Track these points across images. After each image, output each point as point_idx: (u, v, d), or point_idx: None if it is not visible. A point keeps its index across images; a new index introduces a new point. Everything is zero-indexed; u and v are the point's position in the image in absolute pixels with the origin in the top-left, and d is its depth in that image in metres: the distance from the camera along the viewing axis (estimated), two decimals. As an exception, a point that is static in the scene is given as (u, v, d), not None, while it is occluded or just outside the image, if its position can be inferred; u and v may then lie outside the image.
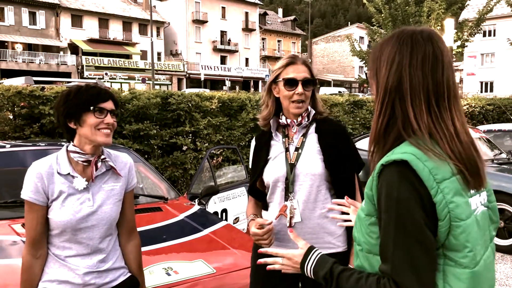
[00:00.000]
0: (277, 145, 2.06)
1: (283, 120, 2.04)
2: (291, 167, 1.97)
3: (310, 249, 1.33)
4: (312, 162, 1.96)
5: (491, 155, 6.42)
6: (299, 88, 1.95)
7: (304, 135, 2.02)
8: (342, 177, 1.97)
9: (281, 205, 1.99)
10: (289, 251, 1.35)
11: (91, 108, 1.74)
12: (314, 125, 2.05)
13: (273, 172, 2.01)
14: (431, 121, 1.13)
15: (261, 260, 1.41)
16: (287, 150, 2.01)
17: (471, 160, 1.14)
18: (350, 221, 1.61)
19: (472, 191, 1.15)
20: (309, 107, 2.04)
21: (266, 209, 2.11)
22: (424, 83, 1.13)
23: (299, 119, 2.01)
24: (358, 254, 1.22)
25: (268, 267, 1.39)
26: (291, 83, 1.96)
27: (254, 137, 2.20)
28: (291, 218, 1.95)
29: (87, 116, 1.74)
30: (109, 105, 1.78)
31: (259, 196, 2.13)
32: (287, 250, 1.37)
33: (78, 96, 1.76)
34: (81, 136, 1.78)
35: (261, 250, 1.47)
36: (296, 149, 2.00)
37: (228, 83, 42.43)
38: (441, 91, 1.15)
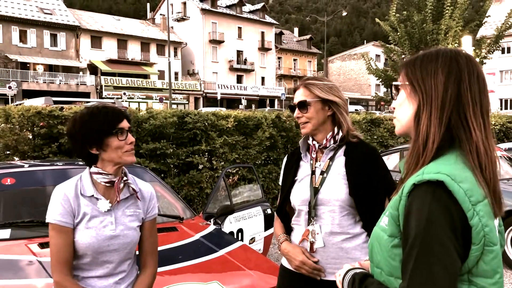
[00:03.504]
0: (304, 166, 2.05)
1: (309, 141, 2.04)
2: (315, 191, 1.94)
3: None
4: (336, 187, 1.92)
5: (513, 173, 6.27)
6: (295, 112, 2.02)
7: (332, 159, 1.98)
8: (368, 203, 1.90)
9: (305, 229, 1.97)
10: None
11: (113, 131, 1.72)
12: (343, 148, 2.00)
13: (298, 195, 1.99)
14: (485, 136, 1.12)
15: None
16: (313, 173, 1.99)
17: (497, 186, 1.12)
18: None
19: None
20: (336, 129, 2.00)
21: (290, 231, 2.09)
22: (480, 99, 1.13)
23: (324, 142, 1.99)
24: (378, 277, 1.18)
25: None
26: (292, 109, 2.06)
27: (287, 155, 2.21)
28: (312, 243, 1.92)
29: (109, 140, 1.72)
30: (125, 124, 1.77)
31: (284, 217, 2.11)
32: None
33: (94, 120, 1.72)
34: (104, 160, 1.76)
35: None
36: (322, 172, 1.97)
37: (244, 102, 42.67)
38: (488, 111, 1.15)
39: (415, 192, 1.07)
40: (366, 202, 1.89)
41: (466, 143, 1.10)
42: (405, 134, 1.23)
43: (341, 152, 1.99)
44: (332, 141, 1.98)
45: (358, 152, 1.98)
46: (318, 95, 1.97)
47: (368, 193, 1.89)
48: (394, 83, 1.28)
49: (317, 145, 2.00)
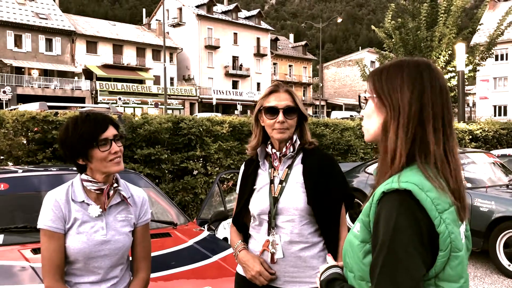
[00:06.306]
0: (263, 174, 2.01)
1: (269, 149, 2.00)
2: (274, 200, 1.92)
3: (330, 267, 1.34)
4: (295, 196, 1.91)
5: (506, 180, 6.30)
6: (280, 116, 1.90)
7: (289, 167, 1.97)
8: (326, 211, 1.89)
9: (265, 238, 1.94)
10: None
11: (94, 143, 1.71)
12: (300, 156, 1.99)
13: (257, 205, 1.96)
14: (445, 151, 1.15)
15: None
16: (272, 182, 1.96)
17: (463, 193, 1.16)
18: None
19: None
20: (295, 137, 1.99)
21: (247, 240, 2.06)
22: (441, 112, 1.15)
23: (284, 150, 1.96)
24: (351, 281, 1.21)
25: None
26: (272, 111, 1.92)
27: (244, 162, 2.16)
28: (273, 254, 1.90)
29: (93, 152, 1.72)
30: (110, 132, 1.75)
31: (241, 227, 2.08)
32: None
33: (77, 132, 1.71)
34: (92, 169, 1.77)
35: None
36: (280, 181, 1.94)
37: (239, 107, 42.71)
38: (451, 122, 1.18)
39: (384, 200, 1.10)
40: (323, 210, 1.88)
41: (427, 157, 1.14)
42: (373, 142, 1.26)
43: (298, 160, 1.98)
44: (291, 149, 1.97)
45: (315, 160, 1.96)
46: (299, 105, 1.97)
47: (325, 201, 1.89)
48: (361, 94, 1.31)
49: (278, 154, 1.97)
